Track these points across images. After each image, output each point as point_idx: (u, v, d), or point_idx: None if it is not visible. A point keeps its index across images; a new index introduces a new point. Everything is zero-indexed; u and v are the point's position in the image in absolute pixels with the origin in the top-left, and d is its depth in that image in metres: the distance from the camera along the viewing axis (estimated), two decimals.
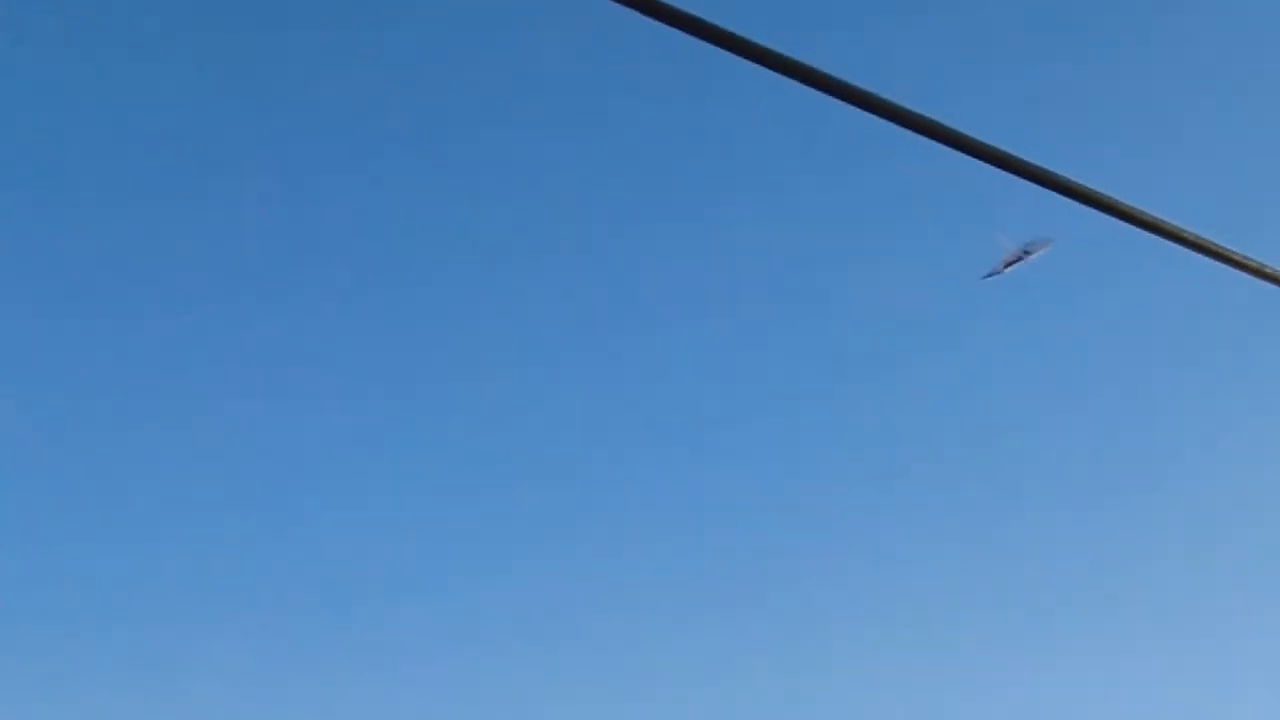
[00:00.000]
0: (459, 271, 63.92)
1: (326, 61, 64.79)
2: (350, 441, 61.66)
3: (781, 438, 61.51)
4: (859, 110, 4.21)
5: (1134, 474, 59.22)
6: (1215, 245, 3.99)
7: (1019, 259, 51.35)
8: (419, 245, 64.26)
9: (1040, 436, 60.13)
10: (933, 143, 4.16)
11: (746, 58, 3.94)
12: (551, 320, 63.49)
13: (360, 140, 64.70)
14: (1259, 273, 4.19)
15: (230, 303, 62.48)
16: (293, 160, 64.53)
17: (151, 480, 60.17)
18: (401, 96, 64.45)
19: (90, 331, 60.97)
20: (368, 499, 60.26)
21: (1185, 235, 4.17)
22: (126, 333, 61.69)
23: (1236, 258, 4.09)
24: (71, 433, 59.53)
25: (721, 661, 54.12)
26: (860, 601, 56.51)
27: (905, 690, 52.52)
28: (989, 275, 51.22)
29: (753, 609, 55.67)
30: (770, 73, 3.98)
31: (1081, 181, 4.40)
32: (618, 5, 3.62)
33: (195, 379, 61.35)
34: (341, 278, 63.39)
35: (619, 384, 63.92)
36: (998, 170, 3.83)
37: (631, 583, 58.59)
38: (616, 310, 63.68)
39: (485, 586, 58.29)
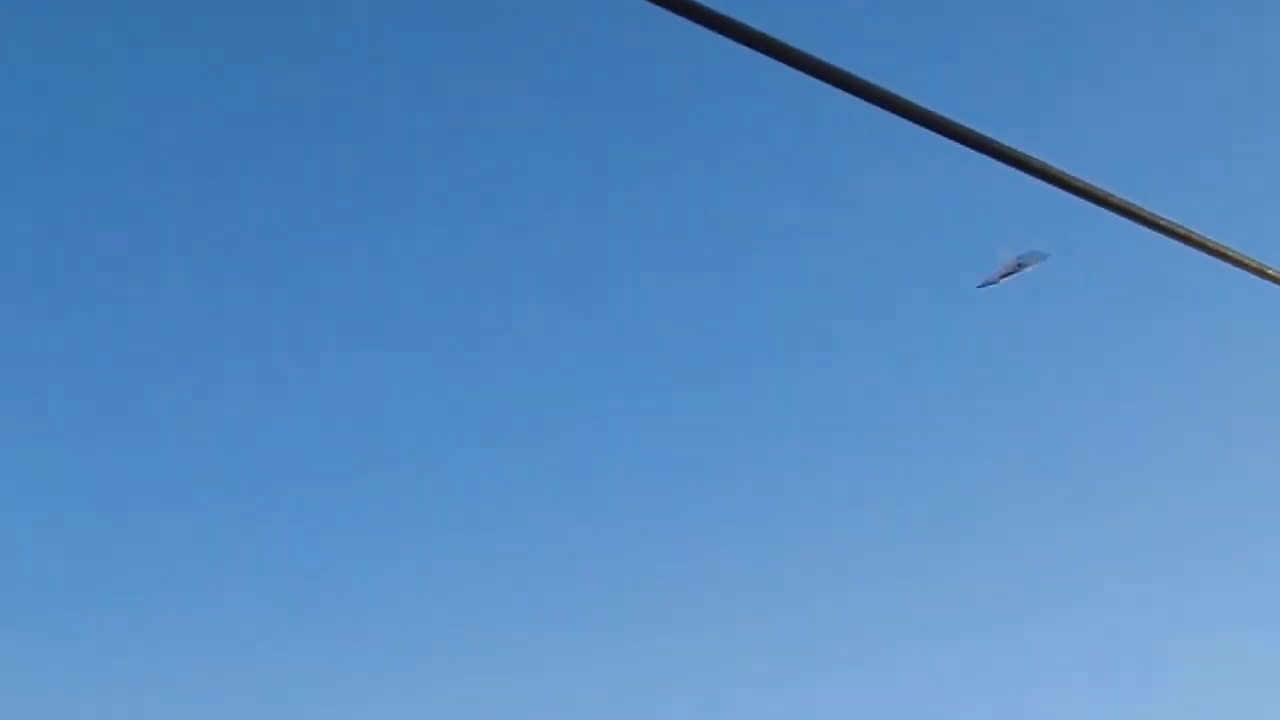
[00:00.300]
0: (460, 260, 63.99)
1: (321, 56, 64.76)
2: (351, 438, 61.89)
3: (777, 441, 61.80)
4: (869, 108, 4.19)
5: (1136, 474, 59.48)
6: (1216, 244, 4.01)
7: (1014, 270, 51.86)
8: (416, 237, 64.32)
9: (1039, 436, 60.48)
10: (934, 139, 4.15)
11: (736, 39, 3.90)
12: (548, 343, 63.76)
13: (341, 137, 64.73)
14: (1260, 272, 4.19)
15: (224, 295, 62.65)
16: (287, 160, 64.66)
17: (145, 470, 60.31)
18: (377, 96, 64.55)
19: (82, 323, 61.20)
20: (363, 505, 60.48)
21: (1186, 233, 4.19)
22: (120, 325, 61.89)
23: (1238, 256, 4.10)
24: (65, 424, 59.68)
25: (729, 664, 54.53)
26: (866, 609, 56.74)
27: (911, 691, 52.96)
28: (984, 284, 51.77)
29: (777, 617, 55.97)
30: (759, 64, 3.97)
31: (1084, 179, 4.40)
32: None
33: (193, 373, 61.46)
34: (338, 270, 63.52)
35: (633, 406, 63.93)
36: (1001, 172, 3.82)
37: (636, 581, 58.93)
38: (635, 332, 63.96)
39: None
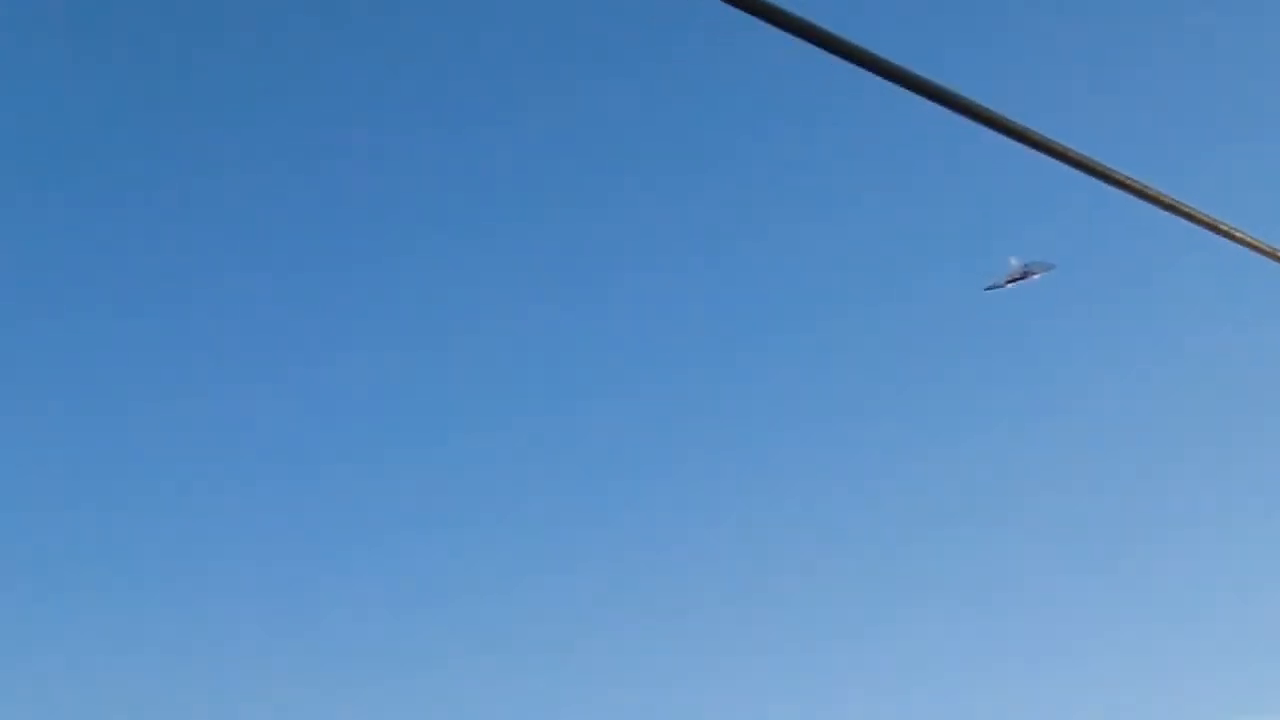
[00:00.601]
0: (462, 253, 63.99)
1: (316, 57, 64.29)
2: (362, 438, 61.93)
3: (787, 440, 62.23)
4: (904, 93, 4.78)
5: (1139, 464, 59.90)
6: (1228, 226, 4.61)
7: (1021, 277, 53.09)
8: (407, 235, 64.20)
9: (1044, 432, 61.10)
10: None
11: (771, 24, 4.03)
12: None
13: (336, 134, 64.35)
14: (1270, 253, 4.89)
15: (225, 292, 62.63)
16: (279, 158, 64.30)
17: (154, 469, 60.34)
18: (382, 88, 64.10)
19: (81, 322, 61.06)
20: (380, 501, 60.52)
21: (1198, 215, 4.83)
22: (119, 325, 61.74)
23: (1246, 238, 4.75)
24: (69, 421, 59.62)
25: (736, 658, 54.95)
26: (873, 605, 57.41)
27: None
28: (991, 287, 53.01)
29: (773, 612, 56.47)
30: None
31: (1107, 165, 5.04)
32: None
33: (193, 371, 61.42)
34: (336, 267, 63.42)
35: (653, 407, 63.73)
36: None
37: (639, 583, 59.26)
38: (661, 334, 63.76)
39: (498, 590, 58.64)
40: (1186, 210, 4.85)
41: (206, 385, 61.22)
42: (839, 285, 64.61)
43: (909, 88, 4.27)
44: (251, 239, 64.40)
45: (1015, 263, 53.12)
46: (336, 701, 53.63)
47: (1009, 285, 52.95)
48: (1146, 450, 60.93)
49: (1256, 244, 4.96)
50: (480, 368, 62.66)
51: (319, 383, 61.86)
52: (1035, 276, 53.32)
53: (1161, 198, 4.95)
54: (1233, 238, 5.03)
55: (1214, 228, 5.03)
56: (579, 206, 64.29)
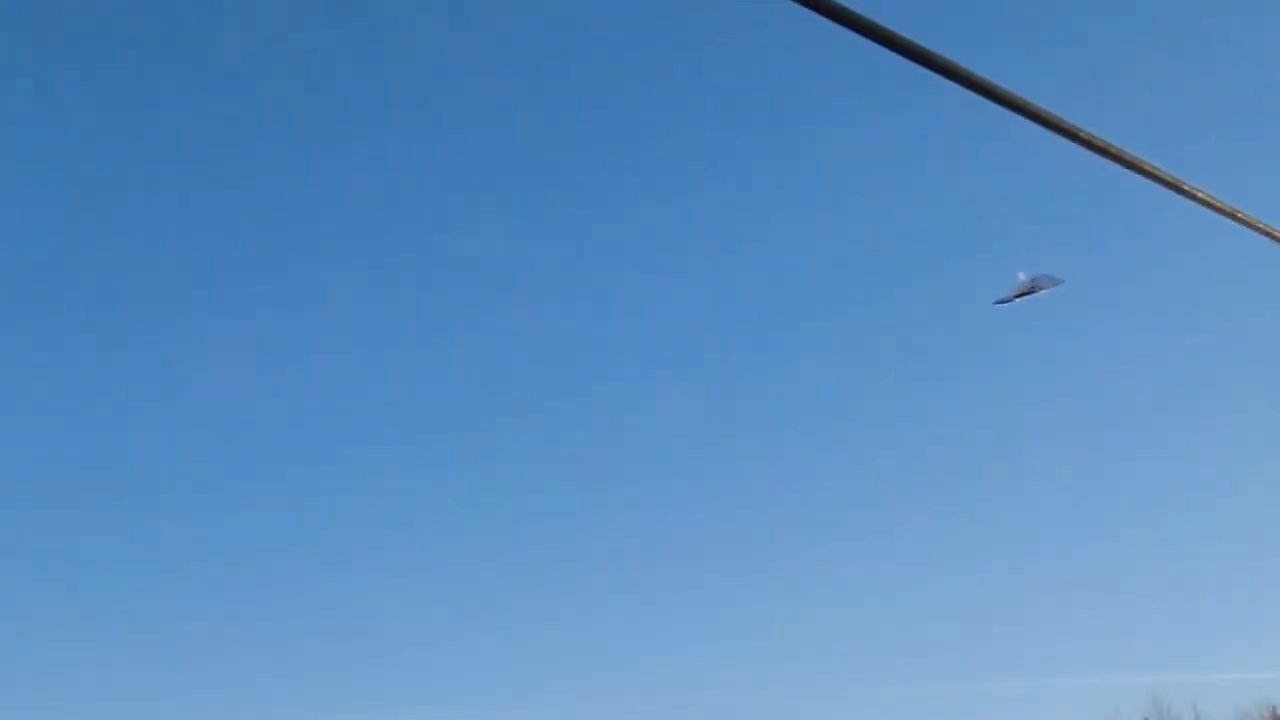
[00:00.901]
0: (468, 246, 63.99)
1: (316, 58, 64.44)
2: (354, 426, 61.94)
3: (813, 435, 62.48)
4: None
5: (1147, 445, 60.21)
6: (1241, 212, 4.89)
7: (1029, 291, 53.86)
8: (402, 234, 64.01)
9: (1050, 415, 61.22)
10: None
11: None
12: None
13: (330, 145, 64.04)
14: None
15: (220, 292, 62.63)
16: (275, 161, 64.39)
17: (155, 467, 60.52)
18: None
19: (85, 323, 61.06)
20: (366, 491, 60.67)
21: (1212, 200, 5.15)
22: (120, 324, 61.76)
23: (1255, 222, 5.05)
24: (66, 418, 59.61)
25: (729, 635, 55.19)
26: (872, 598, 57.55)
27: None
28: (1000, 302, 53.88)
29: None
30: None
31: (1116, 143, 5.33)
32: None
33: (194, 372, 61.73)
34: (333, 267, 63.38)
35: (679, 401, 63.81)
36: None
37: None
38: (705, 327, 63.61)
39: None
40: (1204, 197, 5.12)
41: (205, 384, 61.64)
42: (839, 285, 65.14)
43: (923, 63, 4.36)
44: (252, 239, 64.72)
45: (1023, 277, 53.98)
46: (341, 696, 53.80)
47: (1017, 300, 53.78)
48: (1144, 441, 61.48)
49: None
50: (479, 367, 63.12)
51: (317, 382, 62.30)
52: (1043, 291, 54.12)
53: (1185, 186, 5.23)
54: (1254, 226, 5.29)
55: (1236, 218, 5.30)
56: (579, 206, 64.64)
